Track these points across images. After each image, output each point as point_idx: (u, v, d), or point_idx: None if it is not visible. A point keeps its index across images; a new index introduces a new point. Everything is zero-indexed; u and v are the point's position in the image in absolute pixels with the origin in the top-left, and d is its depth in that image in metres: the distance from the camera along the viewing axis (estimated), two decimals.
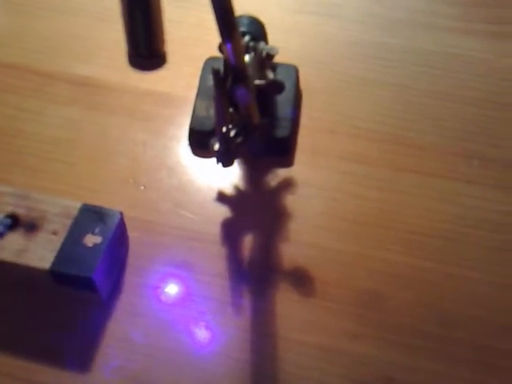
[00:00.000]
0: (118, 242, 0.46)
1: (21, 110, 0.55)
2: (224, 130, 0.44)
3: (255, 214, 0.50)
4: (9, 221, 0.44)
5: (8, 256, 0.43)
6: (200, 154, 0.53)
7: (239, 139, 0.46)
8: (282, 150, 0.52)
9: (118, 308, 0.45)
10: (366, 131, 0.54)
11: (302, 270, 0.47)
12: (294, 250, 0.48)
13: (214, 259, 0.47)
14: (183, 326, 0.44)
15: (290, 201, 0.50)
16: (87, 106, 0.55)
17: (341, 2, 0.62)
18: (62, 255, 0.43)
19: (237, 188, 0.51)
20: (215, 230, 0.49)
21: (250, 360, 0.43)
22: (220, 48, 0.45)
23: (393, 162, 0.52)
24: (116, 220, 0.44)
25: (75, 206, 0.45)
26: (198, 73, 0.55)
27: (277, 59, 0.50)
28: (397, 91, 0.56)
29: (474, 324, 0.44)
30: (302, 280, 0.46)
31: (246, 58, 0.47)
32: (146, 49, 0.36)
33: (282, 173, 0.52)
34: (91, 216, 0.44)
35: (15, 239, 0.43)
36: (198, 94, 0.53)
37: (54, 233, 0.44)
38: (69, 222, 0.44)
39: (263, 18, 0.51)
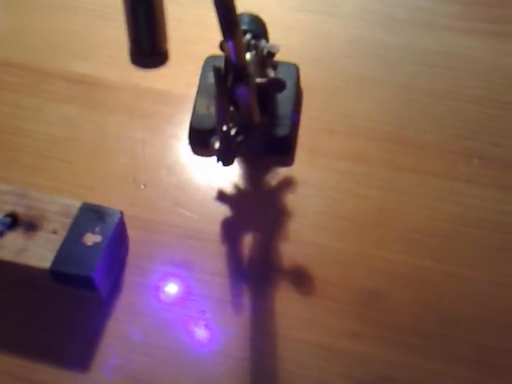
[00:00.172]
0: (118, 241, 0.45)
1: (19, 107, 0.55)
2: (224, 128, 0.44)
3: (255, 212, 0.50)
4: (9, 220, 0.44)
5: (8, 255, 0.43)
6: (200, 152, 0.53)
7: (240, 138, 0.46)
8: (283, 149, 0.52)
9: (117, 307, 0.45)
10: (366, 130, 0.54)
11: (301, 269, 0.47)
12: (293, 248, 0.48)
13: (213, 258, 0.47)
14: (183, 324, 0.44)
15: (290, 200, 0.50)
16: (86, 103, 0.55)
17: (340, 0, 0.62)
18: (62, 254, 0.43)
19: (237, 187, 0.51)
20: (215, 229, 0.49)
21: (250, 358, 0.43)
22: (221, 46, 0.45)
23: (392, 161, 0.52)
24: (116, 219, 0.44)
25: (75, 204, 0.45)
26: (199, 71, 0.54)
27: (277, 57, 0.50)
28: (396, 90, 0.56)
29: (474, 323, 0.44)
30: (301, 279, 0.46)
31: (247, 56, 0.46)
32: (149, 47, 0.36)
33: (282, 172, 0.52)
34: (91, 215, 0.44)
35: (15, 238, 0.43)
36: (198, 92, 0.53)
37: (54, 232, 0.44)
38: (68, 221, 0.44)
39: (263, 16, 0.51)
